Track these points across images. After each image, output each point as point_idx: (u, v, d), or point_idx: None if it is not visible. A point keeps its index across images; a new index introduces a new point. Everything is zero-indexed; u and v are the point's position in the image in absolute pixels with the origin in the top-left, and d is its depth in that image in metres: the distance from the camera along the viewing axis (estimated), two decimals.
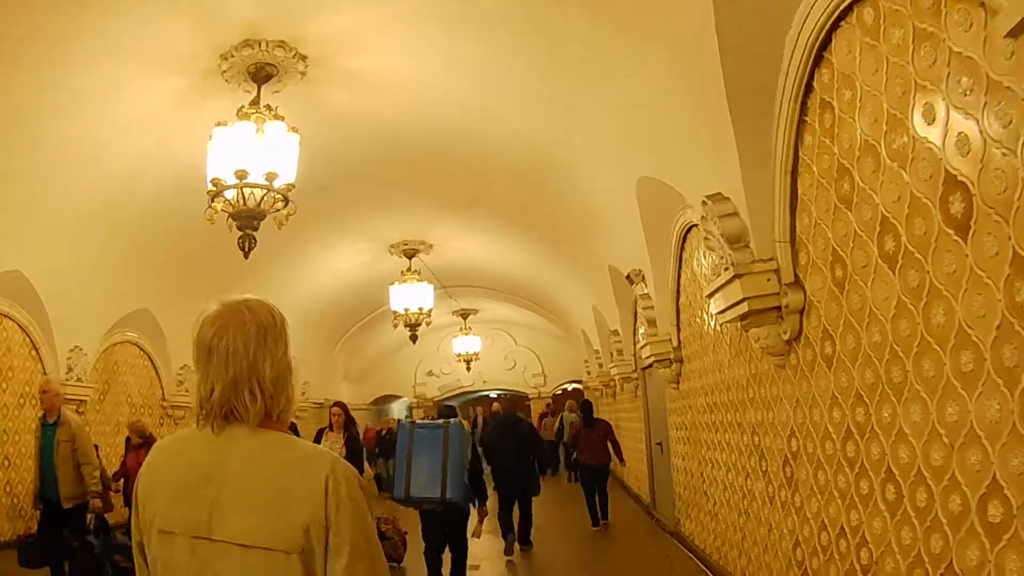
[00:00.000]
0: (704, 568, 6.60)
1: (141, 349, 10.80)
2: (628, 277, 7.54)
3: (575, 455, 10.32)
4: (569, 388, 28.85)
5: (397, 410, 26.94)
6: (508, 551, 7.85)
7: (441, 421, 5.47)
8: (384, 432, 20.50)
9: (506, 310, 18.90)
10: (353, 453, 6.86)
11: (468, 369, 20.15)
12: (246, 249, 5.19)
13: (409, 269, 11.14)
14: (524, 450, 7.97)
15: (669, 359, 7.20)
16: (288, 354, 1.45)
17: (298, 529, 1.28)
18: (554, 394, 23.58)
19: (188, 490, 1.35)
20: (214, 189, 4.96)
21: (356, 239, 10.75)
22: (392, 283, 11.00)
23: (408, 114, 6.33)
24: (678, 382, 7.36)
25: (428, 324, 11.20)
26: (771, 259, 3.78)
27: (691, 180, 4.89)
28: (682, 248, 6.64)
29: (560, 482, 15.39)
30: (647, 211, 6.39)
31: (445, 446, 5.16)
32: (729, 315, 4.11)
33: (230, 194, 4.95)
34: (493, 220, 10.10)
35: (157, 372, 11.33)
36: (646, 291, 7.37)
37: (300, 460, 1.36)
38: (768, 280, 3.74)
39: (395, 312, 10.89)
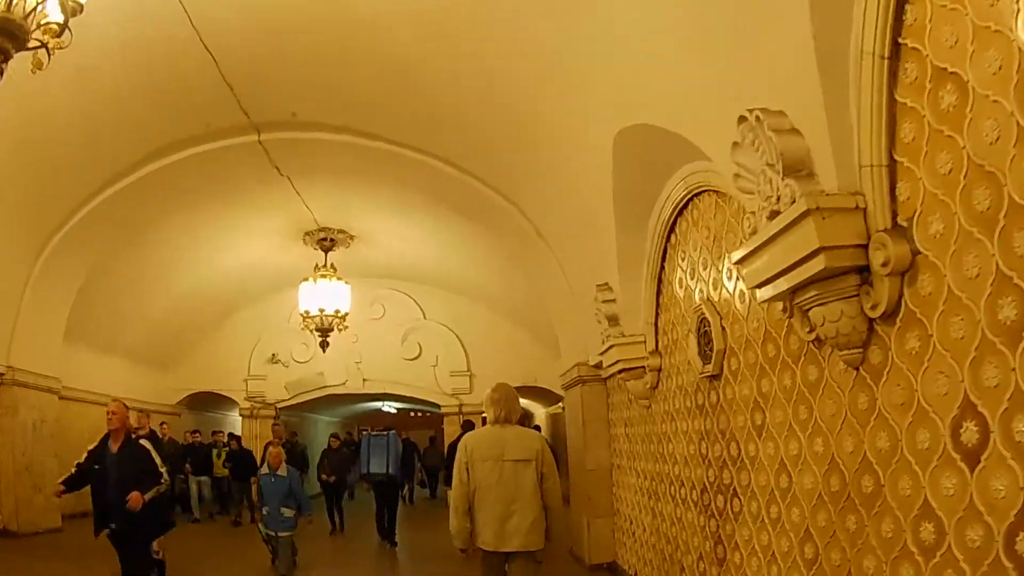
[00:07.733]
0: None
1: None
2: None
3: None
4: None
5: (236, 426, 14.42)
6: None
7: (385, 432, 10.39)
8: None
9: (409, 241, 10.49)
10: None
11: (324, 347, 10.61)
12: None
13: None
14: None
15: None
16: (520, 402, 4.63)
17: (533, 452, 4.23)
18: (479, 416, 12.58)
19: (494, 444, 4.22)
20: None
21: None
22: None
23: None
24: None
25: None
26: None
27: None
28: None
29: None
30: None
31: (387, 445, 9.98)
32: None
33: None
34: None
35: None
36: None
37: (531, 434, 4.60)
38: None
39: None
